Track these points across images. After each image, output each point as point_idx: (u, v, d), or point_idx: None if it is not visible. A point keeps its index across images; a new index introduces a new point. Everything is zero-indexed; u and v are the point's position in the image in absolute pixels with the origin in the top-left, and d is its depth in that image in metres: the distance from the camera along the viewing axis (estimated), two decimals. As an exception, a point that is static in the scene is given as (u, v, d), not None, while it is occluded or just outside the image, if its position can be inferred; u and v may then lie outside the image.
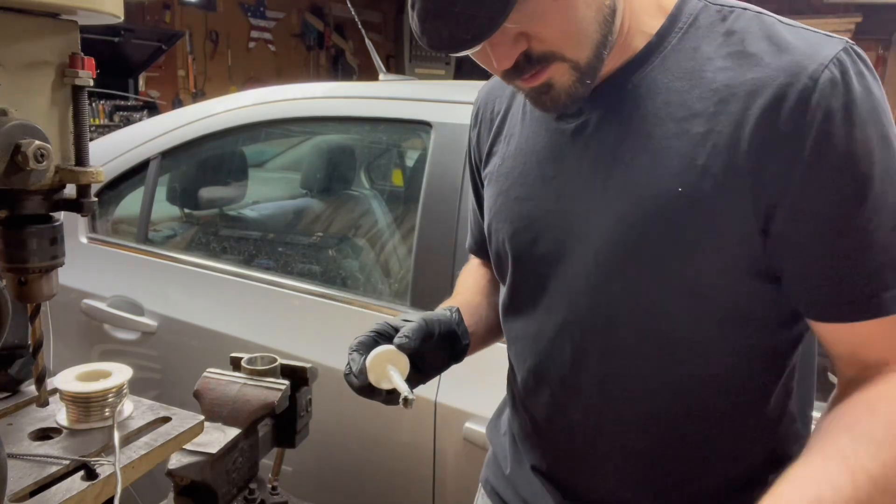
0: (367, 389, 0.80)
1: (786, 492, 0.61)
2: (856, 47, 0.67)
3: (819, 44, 0.66)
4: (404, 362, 0.80)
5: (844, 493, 0.60)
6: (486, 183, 0.91)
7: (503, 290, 0.90)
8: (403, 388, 0.76)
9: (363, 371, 0.79)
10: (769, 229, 0.67)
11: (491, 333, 0.99)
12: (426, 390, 1.44)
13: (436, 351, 0.85)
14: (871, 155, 0.64)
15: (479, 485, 1.02)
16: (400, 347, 0.79)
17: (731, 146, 0.66)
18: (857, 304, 0.66)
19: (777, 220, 0.67)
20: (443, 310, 0.89)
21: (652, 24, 0.74)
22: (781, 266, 0.69)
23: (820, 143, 0.63)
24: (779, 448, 0.79)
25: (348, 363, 0.82)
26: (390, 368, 0.79)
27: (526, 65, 0.68)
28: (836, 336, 0.69)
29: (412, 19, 0.66)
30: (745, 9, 0.73)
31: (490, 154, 0.91)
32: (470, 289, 1.03)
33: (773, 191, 0.66)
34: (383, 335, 0.83)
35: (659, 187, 0.69)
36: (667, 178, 0.69)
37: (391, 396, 0.80)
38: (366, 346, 0.82)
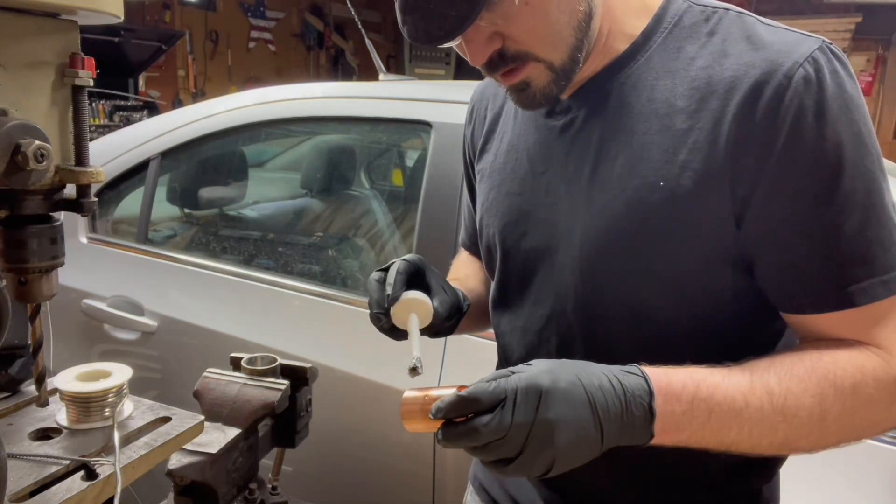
0: (392, 330, 0.83)
1: (678, 369, 0.66)
2: (832, 46, 0.68)
3: (795, 42, 0.68)
4: (428, 314, 0.81)
5: (734, 388, 0.64)
6: (478, 179, 0.94)
7: (493, 284, 0.91)
8: (415, 353, 0.75)
9: (389, 309, 0.81)
10: (742, 221, 0.69)
11: (479, 321, 1.02)
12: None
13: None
14: (841, 152, 0.65)
15: (468, 481, 1.03)
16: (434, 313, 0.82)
17: (710, 142, 0.68)
18: (825, 297, 0.68)
19: (749, 213, 0.68)
20: (464, 295, 0.92)
21: (637, 24, 0.76)
22: (753, 258, 0.70)
23: (791, 139, 0.65)
24: None
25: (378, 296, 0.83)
26: (412, 319, 0.80)
27: (500, 62, 0.72)
28: (806, 326, 0.71)
29: (396, 10, 0.69)
30: (727, 10, 0.75)
31: (483, 150, 0.94)
32: (470, 277, 1.05)
33: (747, 184, 0.67)
34: (411, 271, 0.85)
35: (641, 181, 0.71)
36: (649, 173, 0.71)
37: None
38: (401, 277, 0.83)
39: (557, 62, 0.71)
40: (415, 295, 0.81)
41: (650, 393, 0.63)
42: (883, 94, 7.72)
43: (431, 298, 0.83)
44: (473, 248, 1.07)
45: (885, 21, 7.10)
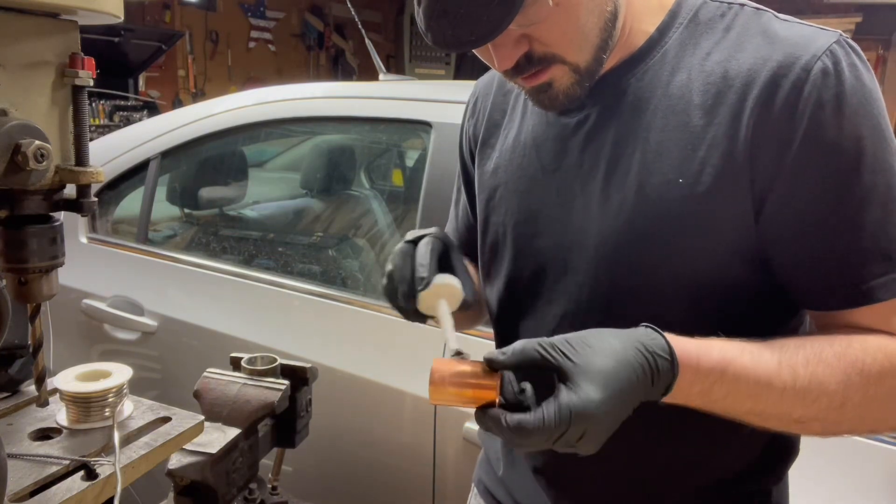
0: (413, 313, 0.79)
1: (711, 342, 0.65)
2: (849, 40, 0.68)
3: (813, 36, 0.68)
4: (457, 301, 0.77)
5: (761, 369, 0.64)
6: (480, 175, 0.91)
7: (497, 285, 0.88)
8: (453, 345, 0.70)
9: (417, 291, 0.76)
10: (760, 216, 0.68)
11: (468, 317, 1.00)
12: (427, 391, 1.44)
13: None
14: (860, 145, 0.65)
15: (472, 484, 1.02)
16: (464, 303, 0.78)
17: (729, 137, 0.68)
18: (845, 292, 0.67)
19: (767, 208, 0.68)
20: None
21: (653, 21, 0.76)
22: (772, 254, 0.70)
23: (810, 132, 0.65)
24: (775, 441, 0.79)
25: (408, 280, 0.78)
26: (442, 306, 0.76)
27: (526, 65, 0.70)
28: (827, 319, 0.71)
29: (417, 15, 0.67)
30: (742, 5, 0.74)
31: (486, 145, 0.91)
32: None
33: (766, 178, 0.67)
34: (441, 251, 0.80)
35: (660, 178, 0.71)
36: (667, 170, 0.70)
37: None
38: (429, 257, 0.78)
39: (583, 64, 0.71)
40: (447, 280, 0.76)
41: (674, 377, 0.63)
42: (883, 94, 7.72)
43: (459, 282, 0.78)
44: (462, 248, 1.05)
45: (885, 21, 7.09)
